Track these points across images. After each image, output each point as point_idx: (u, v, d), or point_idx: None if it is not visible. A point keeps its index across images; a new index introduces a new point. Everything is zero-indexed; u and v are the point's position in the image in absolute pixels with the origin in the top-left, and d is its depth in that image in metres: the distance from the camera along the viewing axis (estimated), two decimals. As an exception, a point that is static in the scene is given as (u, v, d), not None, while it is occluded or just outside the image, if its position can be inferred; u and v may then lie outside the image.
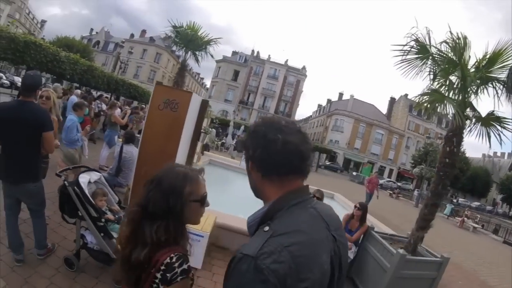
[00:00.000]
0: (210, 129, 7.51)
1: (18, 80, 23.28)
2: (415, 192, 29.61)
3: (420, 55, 4.70)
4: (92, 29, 73.09)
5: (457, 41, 4.43)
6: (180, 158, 4.34)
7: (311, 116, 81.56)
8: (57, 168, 4.00)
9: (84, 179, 3.33)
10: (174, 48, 9.96)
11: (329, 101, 68.53)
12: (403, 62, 4.82)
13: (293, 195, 0.99)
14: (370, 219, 8.12)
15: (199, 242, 3.85)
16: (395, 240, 5.16)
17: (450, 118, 4.63)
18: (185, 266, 1.18)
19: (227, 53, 62.79)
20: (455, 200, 44.11)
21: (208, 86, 71.94)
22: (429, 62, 4.72)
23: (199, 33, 8.88)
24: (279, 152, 0.96)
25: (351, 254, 4.78)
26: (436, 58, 4.68)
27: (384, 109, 64.43)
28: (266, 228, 0.90)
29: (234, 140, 24.67)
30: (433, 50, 4.59)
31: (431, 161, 32.57)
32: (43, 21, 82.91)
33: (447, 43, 4.52)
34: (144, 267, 1.18)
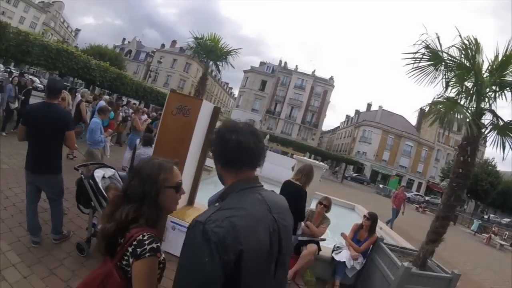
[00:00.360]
0: None
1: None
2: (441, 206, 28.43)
3: (431, 62, 4.56)
4: (124, 39, 76.36)
5: (468, 44, 4.25)
6: (191, 160, 4.54)
7: (339, 127, 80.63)
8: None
9: (98, 173, 3.65)
10: (197, 58, 10.18)
11: (357, 112, 67.50)
12: (415, 70, 4.69)
13: (243, 182, 1.22)
14: (391, 233, 7.92)
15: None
16: (405, 253, 4.97)
17: (463, 127, 4.35)
18: (154, 245, 1.31)
19: (256, 64, 63.43)
20: (486, 216, 41.84)
21: (236, 95, 72.84)
22: (441, 68, 4.59)
23: (219, 44, 9.14)
24: (233, 149, 1.20)
25: (357, 265, 4.66)
26: (448, 64, 4.52)
27: (413, 121, 62.69)
28: (217, 204, 1.15)
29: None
30: (445, 56, 4.45)
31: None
32: (77, 30, 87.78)
33: (457, 47, 4.36)
34: (117, 240, 1.35)
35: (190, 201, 5.01)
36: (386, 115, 58.60)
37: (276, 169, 11.38)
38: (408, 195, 26.10)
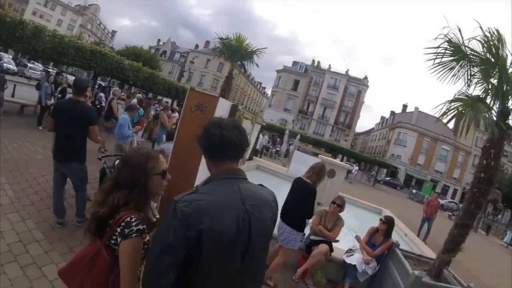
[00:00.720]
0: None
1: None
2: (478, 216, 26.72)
3: (454, 57, 4.32)
4: (159, 40, 78.92)
5: (489, 37, 3.97)
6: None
7: (373, 128, 78.49)
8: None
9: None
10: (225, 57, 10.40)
11: (392, 113, 65.34)
12: (437, 65, 4.46)
13: (223, 173, 1.35)
14: (415, 241, 7.63)
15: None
16: (421, 261, 4.72)
17: (485, 127, 4.12)
18: (140, 227, 1.45)
19: (289, 63, 63.06)
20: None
21: (269, 95, 73.02)
22: (464, 64, 4.37)
23: (243, 44, 9.30)
24: (217, 143, 1.34)
25: (369, 270, 4.48)
26: (471, 59, 4.26)
27: (451, 123, 59.36)
28: (194, 188, 1.29)
29: (285, 148, 24.80)
30: (468, 50, 4.20)
31: (497, 181, 29.14)
32: (114, 32, 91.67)
33: (478, 40, 4.07)
34: (108, 222, 1.50)
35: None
36: (422, 117, 55.94)
37: (302, 169, 11.23)
38: (441, 201, 24.83)
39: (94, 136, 3.91)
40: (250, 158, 12.25)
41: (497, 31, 4.01)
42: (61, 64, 13.88)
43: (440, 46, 4.32)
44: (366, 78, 57.54)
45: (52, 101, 10.00)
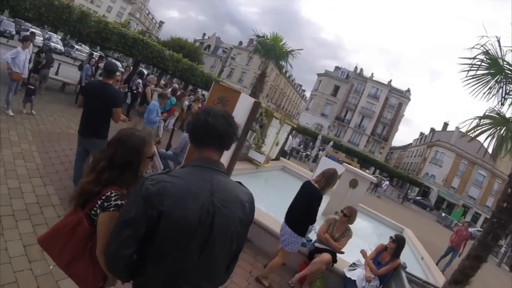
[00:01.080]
0: (257, 127, 7.97)
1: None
2: (502, 249, 24.75)
3: (491, 71, 3.97)
4: (204, 34, 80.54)
5: None
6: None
7: (411, 144, 75.35)
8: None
9: None
10: (265, 56, 10.51)
11: (432, 130, 62.39)
12: (472, 78, 4.13)
13: (201, 160, 1.36)
14: (431, 267, 7.09)
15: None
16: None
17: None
18: (119, 202, 1.56)
19: (332, 68, 62.18)
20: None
21: (308, 98, 72.44)
22: (501, 78, 4.03)
23: (279, 43, 9.36)
24: (200, 128, 1.36)
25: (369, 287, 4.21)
26: (508, 75, 3.90)
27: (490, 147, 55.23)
28: (168, 170, 1.40)
29: (315, 152, 24.53)
30: (505, 64, 3.88)
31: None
32: (161, 22, 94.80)
33: None
34: (93, 195, 1.63)
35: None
36: (463, 138, 52.47)
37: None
38: (470, 229, 23.06)
39: (117, 117, 4.16)
40: (277, 158, 12.26)
41: None
42: (106, 49, 14.68)
43: (476, 57, 4.00)
44: (408, 90, 55.34)
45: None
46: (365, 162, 39.38)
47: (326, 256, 4.26)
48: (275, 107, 67.55)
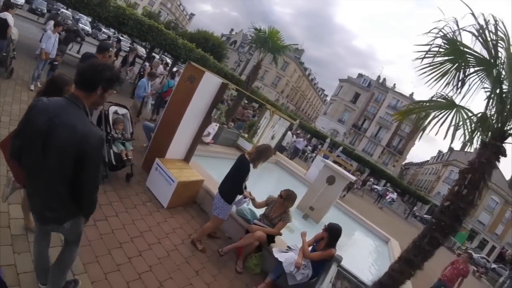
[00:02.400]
0: (221, 105, 8.40)
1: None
2: (502, 278, 23.91)
3: (449, 57, 3.60)
4: (232, 29, 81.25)
5: (484, 26, 3.28)
6: (188, 120, 5.34)
7: (427, 161, 73.55)
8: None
9: (112, 109, 4.89)
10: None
11: (450, 149, 60.67)
12: (429, 66, 3.75)
13: (69, 93, 1.92)
14: None
15: (170, 185, 4.73)
16: (357, 286, 4.04)
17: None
18: None
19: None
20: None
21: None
22: (461, 65, 3.67)
23: (275, 37, 9.83)
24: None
25: (299, 275, 3.97)
26: (468, 59, 3.52)
27: (508, 174, 51.97)
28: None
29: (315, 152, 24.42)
30: (464, 47, 3.50)
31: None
32: (192, 14, 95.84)
33: (470, 32, 3.35)
34: None
35: (186, 158, 5.75)
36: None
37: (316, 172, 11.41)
38: (474, 255, 21.80)
39: None
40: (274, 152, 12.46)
41: (494, 17, 3.27)
42: (122, 32, 15.55)
43: (432, 43, 3.62)
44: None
45: None
46: (373, 172, 38.84)
47: (259, 233, 4.23)
48: (295, 109, 67.74)
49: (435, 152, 69.13)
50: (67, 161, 1.77)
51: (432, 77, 3.82)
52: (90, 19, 29.30)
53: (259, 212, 4.90)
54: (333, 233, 4.18)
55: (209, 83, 5.33)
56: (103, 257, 3.23)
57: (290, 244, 4.55)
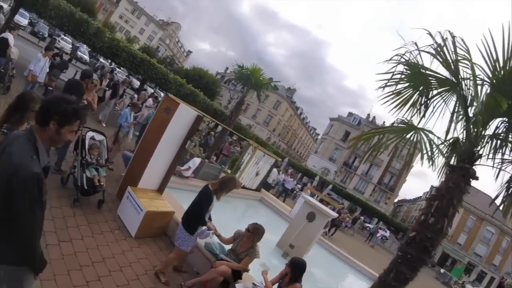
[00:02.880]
0: (194, 137, 8.52)
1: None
2: None
3: (411, 82, 3.55)
4: (227, 68, 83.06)
5: (442, 43, 3.22)
6: (161, 150, 5.42)
7: (420, 197, 72.72)
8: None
9: (90, 134, 5.10)
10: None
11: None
12: (392, 94, 3.70)
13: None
14: None
15: (139, 214, 4.69)
16: None
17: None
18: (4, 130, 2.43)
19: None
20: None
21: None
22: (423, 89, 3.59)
23: (258, 75, 10.23)
24: None
25: None
26: (430, 82, 3.46)
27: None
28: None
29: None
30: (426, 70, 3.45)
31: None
32: (189, 51, 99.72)
33: (431, 54, 3.30)
34: None
35: (160, 189, 5.75)
36: (472, 193, 47.94)
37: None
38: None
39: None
40: (257, 189, 12.30)
41: (451, 33, 3.17)
42: (115, 63, 16.15)
43: (394, 70, 3.56)
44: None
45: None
46: (368, 212, 38.66)
47: (222, 268, 4.07)
48: (286, 147, 68.31)
49: (427, 187, 68.56)
50: None
51: (396, 105, 3.79)
52: (90, 48, 30.18)
53: (229, 247, 4.74)
54: (296, 267, 4.02)
55: (184, 114, 5.48)
56: (61, 276, 3.19)
57: (257, 281, 4.39)
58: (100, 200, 4.97)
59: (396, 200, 59.71)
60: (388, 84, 3.64)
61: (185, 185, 7.90)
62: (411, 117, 3.84)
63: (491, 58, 2.98)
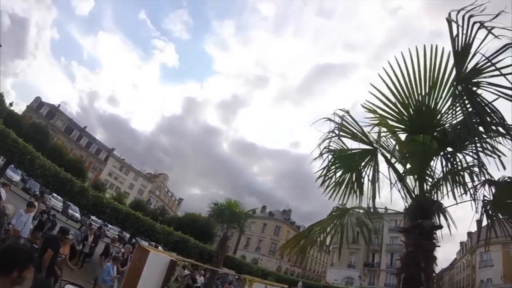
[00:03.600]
0: (172, 283, 8.51)
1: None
2: None
3: (337, 164, 3.69)
4: (217, 202, 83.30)
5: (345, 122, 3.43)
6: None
7: (455, 259, 63.55)
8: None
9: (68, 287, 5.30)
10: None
11: (469, 234, 51.61)
12: (328, 179, 3.77)
13: None
14: None
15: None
16: None
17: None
18: None
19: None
20: None
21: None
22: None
23: (234, 208, 11.03)
24: None
25: None
26: (354, 156, 3.59)
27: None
28: None
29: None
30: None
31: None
32: (181, 199, 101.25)
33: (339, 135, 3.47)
34: None
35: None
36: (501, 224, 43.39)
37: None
38: None
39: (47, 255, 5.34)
40: None
41: (345, 111, 3.45)
42: (101, 220, 16.67)
43: (323, 159, 3.63)
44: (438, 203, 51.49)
45: (81, 247, 11.51)
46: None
47: None
48: (301, 271, 64.08)
49: (457, 246, 61.49)
50: None
51: (334, 191, 3.92)
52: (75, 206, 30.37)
53: None
54: None
55: (156, 261, 5.83)
56: None
57: None
58: None
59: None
60: (322, 174, 3.72)
61: None
62: (348, 198, 3.96)
63: (391, 107, 3.24)
